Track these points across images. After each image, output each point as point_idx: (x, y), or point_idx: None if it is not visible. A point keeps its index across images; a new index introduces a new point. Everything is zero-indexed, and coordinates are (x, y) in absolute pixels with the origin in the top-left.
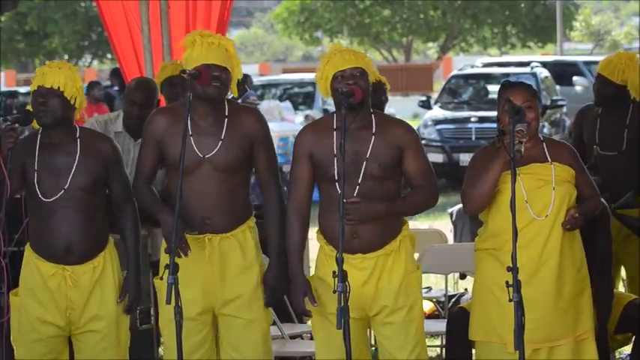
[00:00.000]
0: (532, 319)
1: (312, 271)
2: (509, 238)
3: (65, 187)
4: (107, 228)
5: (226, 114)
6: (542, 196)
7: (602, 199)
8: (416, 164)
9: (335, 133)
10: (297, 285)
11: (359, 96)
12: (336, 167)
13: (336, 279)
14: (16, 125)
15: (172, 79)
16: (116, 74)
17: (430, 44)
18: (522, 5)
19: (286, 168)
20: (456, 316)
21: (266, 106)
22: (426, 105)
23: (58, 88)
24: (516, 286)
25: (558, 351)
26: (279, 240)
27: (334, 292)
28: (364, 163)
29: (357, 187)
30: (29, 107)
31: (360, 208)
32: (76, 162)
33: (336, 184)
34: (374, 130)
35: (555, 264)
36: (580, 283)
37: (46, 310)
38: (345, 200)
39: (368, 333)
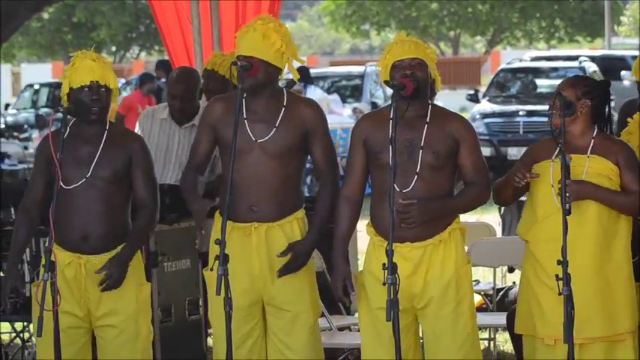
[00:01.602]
0: (559, 312)
1: (359, 264)
2: (541, 229)
3: (87, 176)
4: (129, 223)
5: (284, 104)
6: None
7: None
8: (470, 159)
9: (391, 122)
10: (337, 271)
11: (410, 89)
12: (390, 155)
13: (386, 271)
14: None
15: (214, 73)
16: (162, 66)
17: (478, 38)
18: (571, 0)
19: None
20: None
21: (315, 99)
22: (474, 99)
23: (108, 85)
24: (566, 279)
25: (589, 349)
26: (322, 218)
27: (384, 284)
28: (419, 151)
29: (410, 176)
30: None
31: (416, 209)
32: (100, 152)
33: (390, 173)
34: (428, 119)
35: (585, 257)
36: (621, 280)
37: (63, 299)
38: (400, 201)
39: (417, 326)
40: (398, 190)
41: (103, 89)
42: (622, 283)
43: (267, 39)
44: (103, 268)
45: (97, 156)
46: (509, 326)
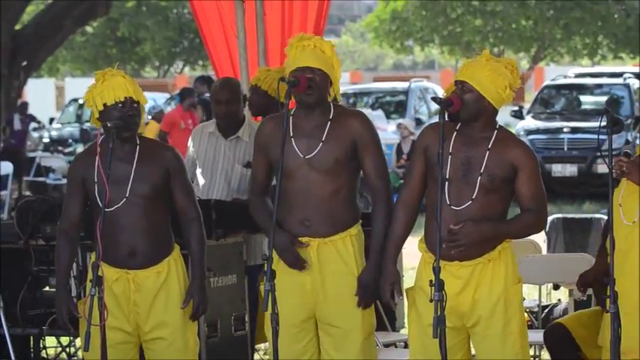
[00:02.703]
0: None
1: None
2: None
3: (126, 196)
4: (172, 235)
5: (330, 117)
6: (632, 201)
7: None
8: (528, 187)
9: (454, 135)
10: (386, 274)
11: (456, 107)
12: (446, 169)
13: (433, 287)
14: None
15: (257, 88)
16: (203, 81)
17: (521, 54)
18: (615, 16)
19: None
20: (551, 332)
21: None
22: (518, 115)
23: (140, 101)
24: (613, 297)
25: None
26: (380, 240)
27: (430, 300)
28: (476, 174)
29: (465, 196)
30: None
31: (466, 231)
32: (134, 169)
33: (442, 187)
34: (491, 143)
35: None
36: None
37: (112, 315)
38: (451, 227)
39: (469, 343)
40: (451, 207)
41: (136, 105)
42: None
43: (322, 52)
44: (187, 299)
45: (133, 173)
46: (547, 342)
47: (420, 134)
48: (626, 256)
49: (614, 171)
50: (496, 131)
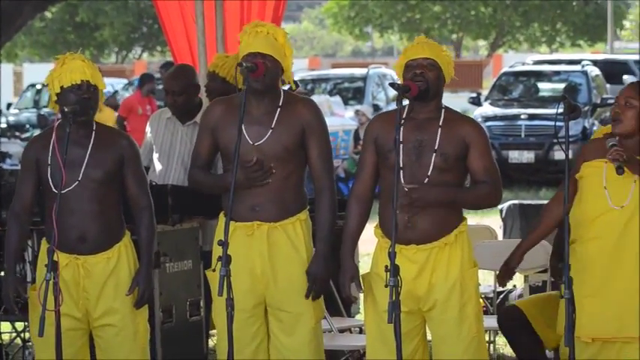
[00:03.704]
0: (598, 312)
1: (360, 267)
2: (587, 228)
3: (79, 179)
4: (123, 222)
5: (280, 104)
6: (621, 185)
7: None
8: (481, 161)
9: (402, 122)
10: (345, 269)
11: (414, 90)
12: (401, 155)
13: (389, 273)
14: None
15: (215, 74)
16: (169, 67)
17: (480, 41)
18: (574, 4)
19: (335, 163)
20: (505, 314)
21: (316, 101)
22: (476, 102)
23: (97, 85)
24: (568, 282)
25: (628, 349)
26: (326, 230)
27: (385, 286)
28: (430, 154)
29: (420, 178)
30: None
31: (420, 191)
32: (88, 154)
33: (398, 174)
34: (441, 122)
35: (633, 258)
36: None
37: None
38: (404, 187)
39: (425, 328)
40: (406, 190)
41: (93, 89)
42: None
43: (275, 39)
44: (132, 286)
45: (87, 157)
46: (502, 324)
47: (368, 125)
48: (617, 241)
49: (612, 160)
50: (443, 111)
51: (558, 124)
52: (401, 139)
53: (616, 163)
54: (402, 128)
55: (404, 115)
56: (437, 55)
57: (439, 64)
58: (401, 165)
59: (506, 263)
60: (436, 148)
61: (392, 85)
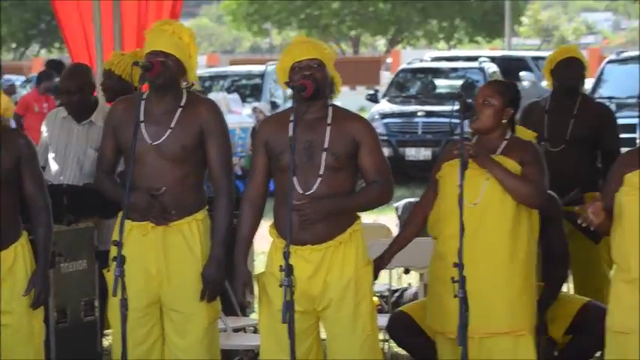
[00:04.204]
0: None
1: (255, 265)
2: (444, 226)
3: None
4: (20, 221)
5: (181, 104)
6: (474, 183)
7: (553, 194)
8: (371, 159)
9: (291, 124)
10: (238, 275)
11: (310, 89)
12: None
13: (283, 273)
14: None
15: (111, 72)
16: (53, 65)
17: (379, 37)
18: (472, 0)
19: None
20: (393, 319)
21: (213, 98)
22: (374, 99)
23: None
24: (461, 281)
25: (491, 343)
26: (222, 232)
27: (280, 286)
28: (320, 153)
29: (312, 178)
30: None
31: (312, 207)
32: None
33: (290, 173)
34: (329, 121)
35: (494, 252)
36: (522, 278)
37: None
38: (294, 202)
39: (319, 327)
40: (301, 192)
41: None
42: (527, 279)
43: (180, 38)
44: (29, 287)
45: None
46: (390, 330)
47: (258, 131)
48: (471, 238)
49: (458, 155)
50: (330, 109)
51: (455, 121)
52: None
53: (464, 156)
54: (290, 130)
55: (291, 118)
56: (322, 54)
57: (325, 63)
58: (291, 169)
59: (376, 264)
60: (326, 147)
61: (288, 84)
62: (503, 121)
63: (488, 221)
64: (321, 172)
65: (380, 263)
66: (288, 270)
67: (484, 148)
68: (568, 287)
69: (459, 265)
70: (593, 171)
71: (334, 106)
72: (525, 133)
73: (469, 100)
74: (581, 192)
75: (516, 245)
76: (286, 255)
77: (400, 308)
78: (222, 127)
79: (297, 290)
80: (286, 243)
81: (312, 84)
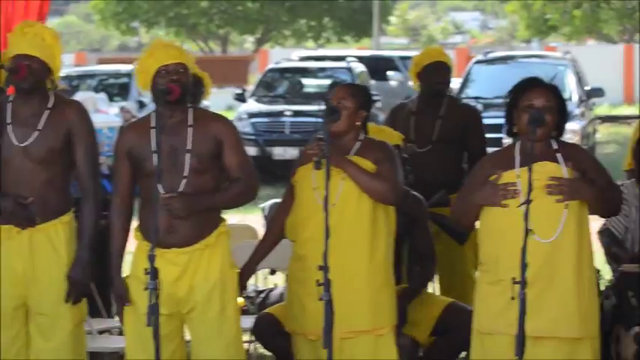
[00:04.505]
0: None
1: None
2: (303, 228)
3: None
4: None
5: (49, 106)
6: (331, 184)
7: (418, 195)
8: (234, 157)
9: (152, 130)
10: (114, 287)
11: (177, 93)
12: (154, 162)
13: (148, 276)
14: None
15: None
16: None
17: (247, 36)
18: (341, 0)
19: (99, 160)
20: (259, 321)
21: (81, 98)
22: (241, 98)
23: None
24: (326, 284)
25: (353, 342)
26: (87, 234)
27: (145, 289)
28: (184, 156)
29: (177, 181)
30: None
31: (179, 202)
32: None
33: (155, 179)
34: (190, 123)
35: (347, 254)
36: (382, 276)
37: None
38: (162, 195)
39: (183, 330)
40: (165, 199)
41: None
42: (385, 280)
43: (42, 39)
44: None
45: None
46: (255, 331)
47: (119, 137)
48: (332, 238)
49: (311, 155)
50: (191, 111)
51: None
52: (155, 148)
53: (314, 157)
54: (155, 135)
55: (152, 124)
56: (184, 58)
57: (187, 66)
58: (157, 172)
59: (242, 274)
60: (189, 149)
61: (153, 88)
62: (357, 123)
63: (346, 221)
64: (185, 173)
65: (246, 272)
66: (153, 273)
67: (339, 150)
68: (433, 288)
69: (324, 268)
70: (459, 172)
71: (194, 107)
72: (392, 135)
73: (333, 104)
74: (446, 193)
75: (375, 244)
76: (151, 258)
77: (266, 310)
78: (89, 129)
79: (162, 293)
80: (151, 246)
81: (179, 88)
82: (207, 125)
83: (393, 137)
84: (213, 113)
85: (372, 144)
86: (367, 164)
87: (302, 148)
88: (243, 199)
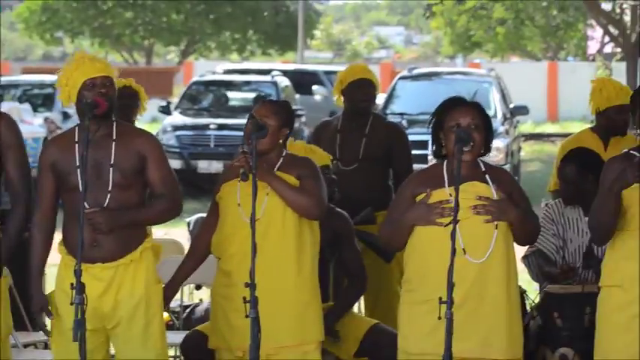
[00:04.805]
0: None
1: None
2: (228, 245)
3: None
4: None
5: None
6: (258, 200)
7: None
8: (157, 173)
9: (77, 144)
10: (35, 301)
11: (104, 107)
12: (78, 177)
13: (74, 291)
14: None
15: None
16: None
17: (172, 48)
18: (265, 13)
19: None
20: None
21: (5, 108)
22: (166, 110)
23: None
24: (253, 301)
25: (281, 358)
26: (11, 238)
27: (71, 304)
28: (108, 170)
29: (101, 195)
30: None
31: (102, 216)
32: None
33: (80, 193)
34: (114, 137)
35: (273, 269)
36: (309, 291)
37: None
38: (86, 210)
39: (109, 345)
40: (89, 214)
41: None
42: (311, 295)
43: None
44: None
45: None
46: (183, 348)
47: (43, 151)
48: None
49: (237, 167)
50: (115, 125)
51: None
52: (78, 163)
53: (240, 169)
54: (79, 149)
55: (76, 138)
56: (111, 71)
57: (113, 79)
58: (83, 186)
59: (167, 292)
60: (113, 164)
61: (79, 102)
62: (280, 141)
63: (271, 237)
64: (109, 188)
65: (171, 289)
66: (80, 288)
67: (263, 165)
68: (359, 304)
69: (251, 285)
70: (385, 189)
71: (118, 122)
72: (322, 156)
73: (261, 121)
74: (372, 211)
75: (302, 259)
76: (77, 273)
77: (196, 327)
78: (19, 139)
79: (87, 308)
80: (77, 261)
81: (106, 102)
82: (131, 140)
83: (323, 158)
84: (137, 128)
85: (295, 160)
86: (291, 179)
87: (227, 161)
88: (167, 215)
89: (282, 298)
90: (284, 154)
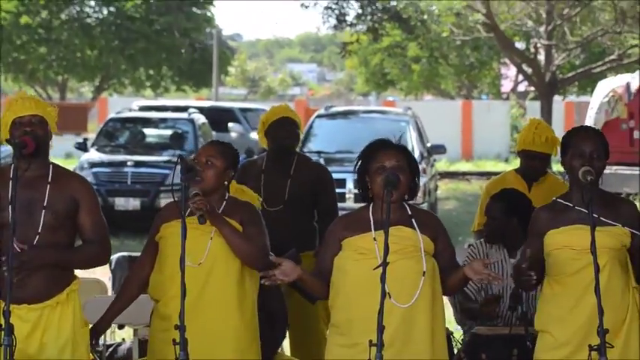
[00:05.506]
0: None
1: None
2: (168, 287)
3: None
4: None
5: None
6: (199, 243)
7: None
8: (89, 219)
9: (10, 182)
10: None
11: (32, 146)
12: (10, 214)
13: (3, 332)
14: None
15: None
16: None
17: (85, 83)
18: (183, 51)
19: None
20: None
21: None
22: (83, 147)
23: None
24: (183, 344)
25: None
26: None
27: (0, 345)
28: (40, 211)
29: (32, 234)
30: None
31: (28, 254)
32: None
33: (9, 232)
34: (50, 179)
35: (214, 314)
36: (250, 337)
37: None
38: (16, 245)
39: None
40: (19, 250)
41: None
42: (252, 340)
43: None
44: None
45: None
46: None
47: None
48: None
49: (196, 210)
50: (51, 167)
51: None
52: (10, 200)
53: (198, 212)
54: (9, 188)
55: (10, 175)
56: (44, 111)
57: (46, 120)
58: (12, 225)
59: (96, 330)
60: (45, 205)
61: (8, 141)
62: (225, 182)
63: (213, 281)
64: (39, 229)
65: (99, 329)
66: (9, 329)
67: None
68: (282, 345)
69: (180, 327)
70: (310, 230)
71: (54, 164)
72: (251, 197)
73: (191, 162)
74: (297, 252)
75: (243, 305)
76: (6, 314)
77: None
78: None
79: (16, 350)
80: (6, 302)
81: (32, 141)
82: (67, 183)
83: (252, 198)
84: (73, 172)
85: (238, 204)
86: (234, 224)
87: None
88: (96, 261)
89: (222, 344)
90: (226, 197)
